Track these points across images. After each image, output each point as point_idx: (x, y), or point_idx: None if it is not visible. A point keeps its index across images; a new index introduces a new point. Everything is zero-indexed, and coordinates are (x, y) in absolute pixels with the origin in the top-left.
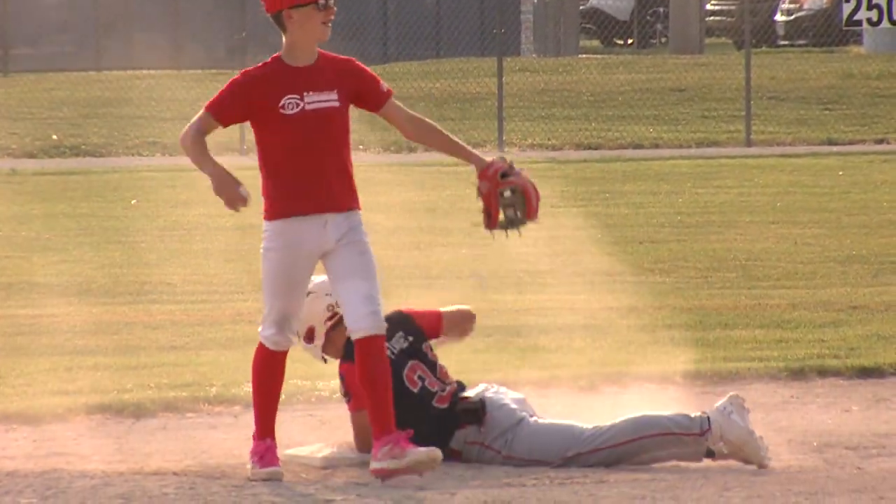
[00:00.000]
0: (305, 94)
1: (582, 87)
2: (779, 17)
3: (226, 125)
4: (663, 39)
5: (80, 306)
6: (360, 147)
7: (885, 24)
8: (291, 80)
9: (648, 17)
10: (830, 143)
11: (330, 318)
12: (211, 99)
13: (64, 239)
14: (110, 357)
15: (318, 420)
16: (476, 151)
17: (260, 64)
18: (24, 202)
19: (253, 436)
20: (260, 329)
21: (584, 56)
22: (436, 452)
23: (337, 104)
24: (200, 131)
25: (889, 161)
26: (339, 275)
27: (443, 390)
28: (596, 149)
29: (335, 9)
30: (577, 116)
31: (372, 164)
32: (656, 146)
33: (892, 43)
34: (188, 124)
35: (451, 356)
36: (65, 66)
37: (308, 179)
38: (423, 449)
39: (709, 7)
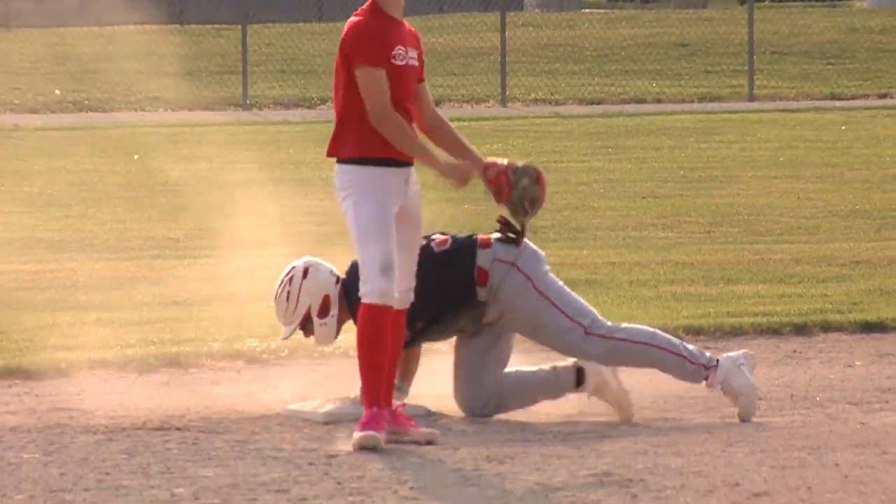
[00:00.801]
0: (408, 49)
1: (585, 42)
2: None
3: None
4: None
5: (82, 262)
6: None
7: None
8: (397, 31)
9: None
10: (833, 97)
11: (337, 282)
12: (362, 56)
13: (67, 194)
14: (113, 312)
15: (321, 375)
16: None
17: (365, 7)
18: (26, 158)
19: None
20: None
21: (587, 11)
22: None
23: (416, 63)
24: (380, 90)
25: (892, 116)
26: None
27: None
28: (599, 104)
29: None
30: (580, 71)
31: None
32: (659, 101)
33: None
34: (372, 102)
35: None
36: (67, 22)
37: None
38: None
39: None
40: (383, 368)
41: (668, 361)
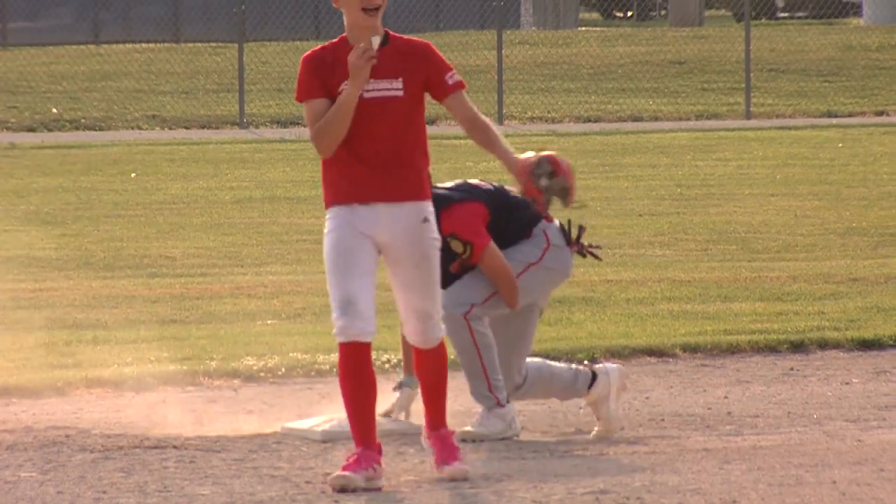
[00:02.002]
0: (375, 80)
1: (581, 60)
2: None
3: (323, 95)
4: (663, 12)
5: (79, 280)
6: None
7: None
8: (345, 69)
9: None
10: (830, 115)
11: None
12: (297, 92)
13: (63, 213)
14: (110, 331)
15: (318, 394)
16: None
17: (328, 43)
18: (23, 176)
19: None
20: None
21: (583, 29)
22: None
23: (400, 93)
24: (314, 122)
25: (889, 133)
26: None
27: None
28: (595, 121)
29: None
30: (577, 89)
31: None
32: (656, 119)
33: (891, 15)
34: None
35: None
36: (63, 40)
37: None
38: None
39: None
40: (366, 408)
41: (478, 373)
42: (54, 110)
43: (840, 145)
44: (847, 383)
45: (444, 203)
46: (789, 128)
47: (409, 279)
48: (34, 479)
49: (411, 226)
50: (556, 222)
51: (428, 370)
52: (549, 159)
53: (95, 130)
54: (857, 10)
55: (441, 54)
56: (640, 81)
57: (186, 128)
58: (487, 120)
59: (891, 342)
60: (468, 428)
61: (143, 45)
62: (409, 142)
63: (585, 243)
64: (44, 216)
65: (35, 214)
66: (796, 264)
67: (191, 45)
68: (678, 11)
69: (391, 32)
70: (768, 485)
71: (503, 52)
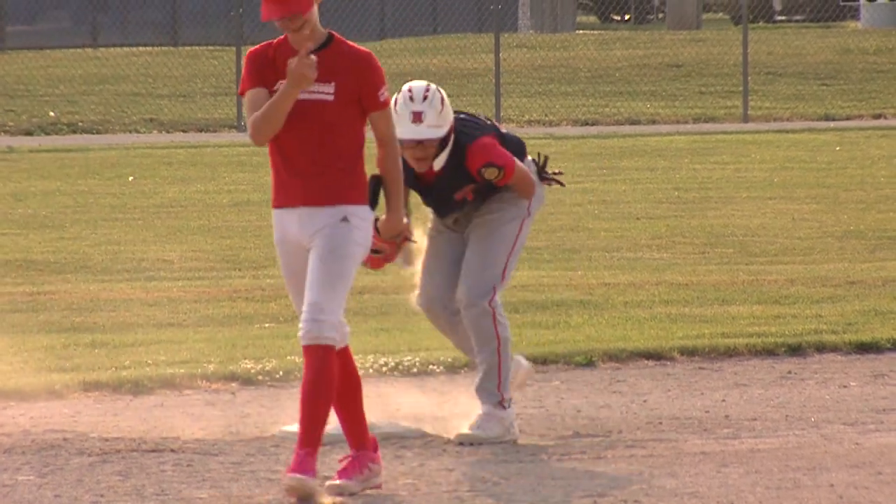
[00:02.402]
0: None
1: (579, 63)
2: None
3: (261, 84)
4: (660, 15)
5: (77, 283)
6: None
7: None
8: (286, 64)
9: None
10: (827, 118)
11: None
12: (241, 85)
13: (61, 216)
14: (108, 334)
15: None
16: (401, 214)
17: (273, 40)
18: (21, 180)
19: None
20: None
21: (581, 32)
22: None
23: (330, 98)
24: (252, 111)
25: (886, 136)
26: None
27: None
28: (593, 125)
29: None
30: (575, 92)
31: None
32: (653, 122)
33: (888, 18)
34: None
35: None
36: (61, 44)
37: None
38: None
39: None
40: (353, 409)
41: (493, 367)
42: (52, 114)
43: (838, 148)
44: (845, 386)
45: (468, 140)
46: (787, 131)
47: (312, 271)
48: (32, 482)
49: (328, 223)
50: (529, 157)
51: (309, 376)
52: (390, 252)
53: (93, 134)
54: (854, 14)
55: (381, 68)
56: (637, 85)
57: (184, 131)
58: (399, 155)
59: (888, 345)
60: (466, 430)
61: (141, 48)
62: (337, 146)
63: (549, 172)
64: (41, 219)
65: (33, 218)
66: (794, 267)
67: (188, 48)
68: (676, 15)
69: (336, 36)
70: (766, 488)
71: (501, 55)
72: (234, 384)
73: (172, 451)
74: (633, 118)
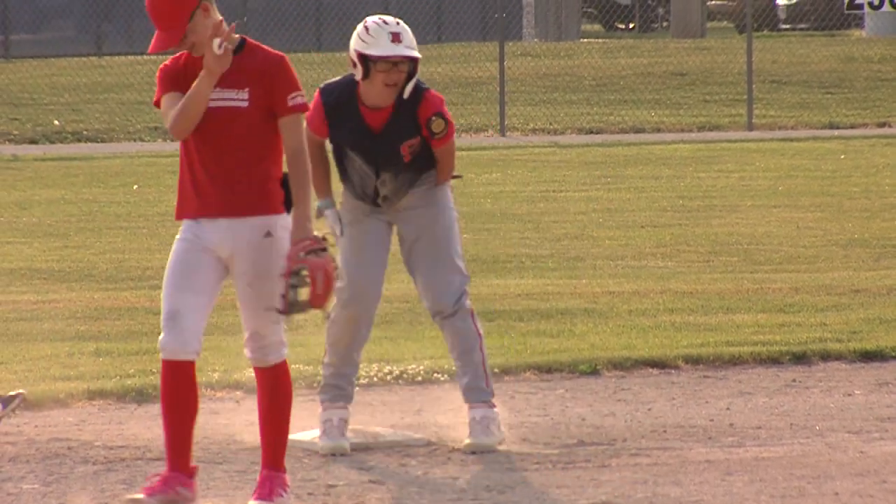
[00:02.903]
0: (219, 89)
1: (584, 72)
2: (780, 1)
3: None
4: (665, 23)
5: (81, 292)
6: None
7: (887, 7)
8: (197, 73)
9: (650, 1)
10: (832, 126)
11: None
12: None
13: (66, 225)
14: (112, 342)
15: (320, 405)
16: (309, 223)
17: (180, 54)
18: (25, 188)
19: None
20: None
21: (585, 40)
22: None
23: (245, 104)
24: (168, 111)
25: (891, 145)
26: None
27: None
28: (598, 133)
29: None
30: (579, 101)
31: None
32: (658, 130)
33: (893, 26)
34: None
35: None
36: (66, 52)
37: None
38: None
39: None
40: (181, 429)
41: (479, 364)
42: (56, 122)
43: (842, 157)
44: (849, 395)
45: (425, 87)
46: (791, 139)
47: (245, 296)
48: (36, 490)
49: (253, 241)
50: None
51: (265, 392)
52: (311, 273)
53: (98, 142)
54: (859, 22)
55: (293, 71)
56: (642, 93)
57: None
58: (308, 166)
59: (893, 354)
60: (469, 441)
61: (146, 56)
62: (254, 154)
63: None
64: (46, 228)
65: (37, 226)
66: (798, 276)
67: None
68: (680, 23)
69: (249, 41)
70: (770, 496)
71: (505, 63)
72: (238, 392)
73: None
74: (637, 126)
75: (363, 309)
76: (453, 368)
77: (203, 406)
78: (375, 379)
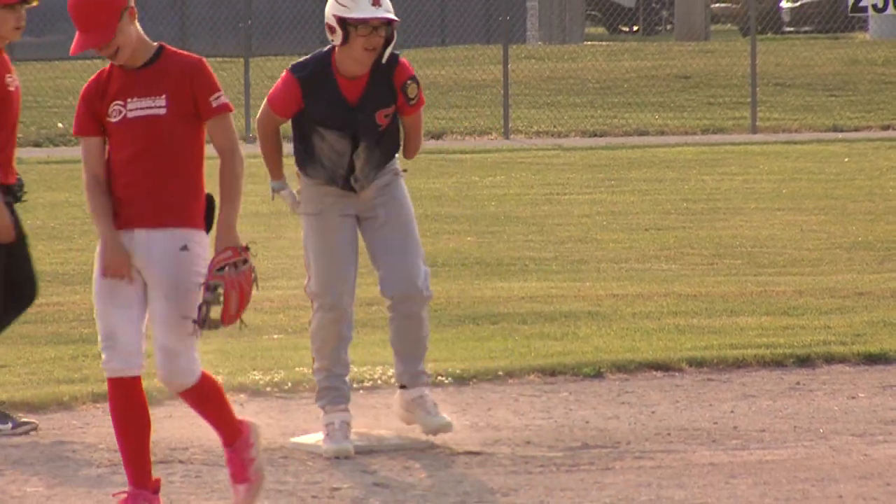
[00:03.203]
0: (129, 100)
1: (587, 75)
2: (784, 4)
3: (94, 132)
4: (668, 26)
5: (85, 294)
6: None
7: (891, 10)
8: (120, 84)
9: (654, 4)
10: (836, 129)
11: None
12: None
13: (69, 227)
14: None
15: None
16: (234, 230)
17: (101, 71)
18: (29, 191)
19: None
20: None
21: (589, 43)
22: None
23: (163, 111)
24: (86, 162)
25: (895, 147)
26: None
27: None
28: (601, 136)
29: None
30: (583, 104)
31: None
32: (662, 133)
33: None
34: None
35: (454, 344)
36: (70, 55)
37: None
38: None
39: None
40: (138, 444)
41: (424, 351)
42: (60, 125)
43: (846, 160)
44: (853, 398)
45: (396, 54)
46: (795, 142)
47: (158, 311)
48: (40, 493)
49: (168, 253)
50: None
51: (197, 410)
52: (225, 291)
53: None
54: (863, 25)
55: (212, 73)
56: (645, 96)
57: None
58: (239, 169)
59: None
60: (432, 421)
61: None
62: (175, 164)
63: None
64: (50, 231)
65: (41, 229)
66: (802, 279)
67: None
68: (684, 26)
69: (167, 47)
70: (774, 499)
71: (509, 66)
72: (242, 395)
73: (181, 461)
74: (641, 129)
75: (343, 310)
76: (458, 371)
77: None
78: (379, 382)
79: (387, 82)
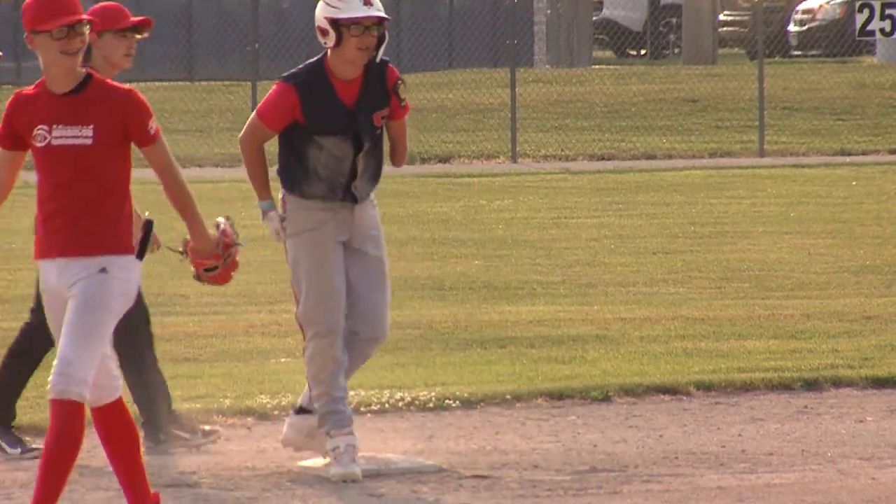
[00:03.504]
0: (54, 126)
1: (595, 98)
2: (792, 28)
3: (8, 147)
4: (676, 50)
5: None
6: None
7: None
8: (47, 108)
9: (661, 28)
10: (843, 153)
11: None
12: None
13: None
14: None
15: None
16: (207, 239)
17: (32, 86)
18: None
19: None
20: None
21: (597, 67)
22: None
23: (89, 141)
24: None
25: None
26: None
27: None
28: (609, 159)
29: (82, 37)
30: (591, 127)
31: (385, 175)
32: (669, 157)
33: None
34: None
35: (461, 368)
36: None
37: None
38: None
39: (722, 18)
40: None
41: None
42: None
43: (854, 183)
44: (861, 421)
45: (384, 58)
46: (803, 166)
47: (67, 320)
48: None
49: (86, 273)
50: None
51: (52, 433)
52: (216, 280)
53: None
54: (870, 49)
55: (145, 102)
56: (653, 119)
57: (200, 166)
58: (185, 182)
59: None
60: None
61: (157, 83)
62: (98, 193)
63: None
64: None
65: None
66: (810, 302)
67: (204, 83)
68: (691, 49)
69: (95, 76)
70: None
71: (517, 90)
72: (250, 419)
73: (189, 486)
74: (649, 153)
75: (338, 335)
76: (465, 395)
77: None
78: (387, 405)
79: (380, 84)
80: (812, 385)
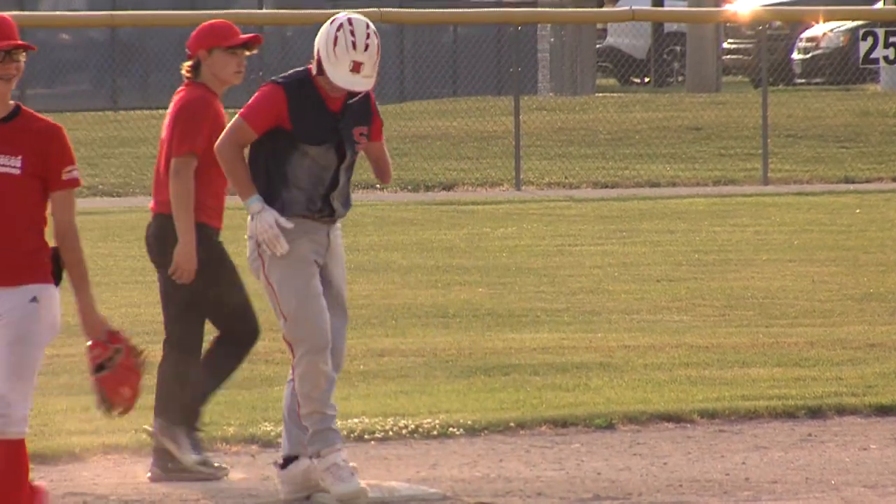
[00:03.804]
0: None
1: (599, 126)
2: (795, 56)
3: None
4: (680, 78)
5: None
6: (377, 186)
7: None
8: None
9: (665, 56)
10: (847, 181)
11: None
12: None
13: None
14: None
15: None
16: (97, 318)
17: None
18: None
19: None
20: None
21: (600, 94)
22: None
23: (17, 171)
24: None
25: None
26: None
27: None
28: (613, 187)
29: (17, 63)
30: (594, 155)
31: (389, 202)
32: (673, 184)
33: None
34: None
35: (465, 395)
36: (81, 106)
37: None
38: None
39: (725, 46)
40: None
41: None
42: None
43: (857, 211)
44: (865, 449)
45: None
46: (806, 193)
47: (2, 357)
48: None
49: (17, 305)
50: None
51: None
52: (109, 393)
53: (113, 196)
54: (874, 77)
55: (69, 144)
56: (657, 147)
57: None
58: (81, 248)
59: None
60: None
61: (161, 111)
62: (27, 222)
63: None
64: (62, 282)
65: None
66: (814, 330)
67: None
68: (695, 77)
69: (24, 108)
70: None
71: (521, 117)
72: (253, 447)
73: None
74: (652, 180)
75: (328, 352)
76: (469, 423)
77: (218, 461)
78: (391, 433)
79: (364, 101)
80: (816, 413)
